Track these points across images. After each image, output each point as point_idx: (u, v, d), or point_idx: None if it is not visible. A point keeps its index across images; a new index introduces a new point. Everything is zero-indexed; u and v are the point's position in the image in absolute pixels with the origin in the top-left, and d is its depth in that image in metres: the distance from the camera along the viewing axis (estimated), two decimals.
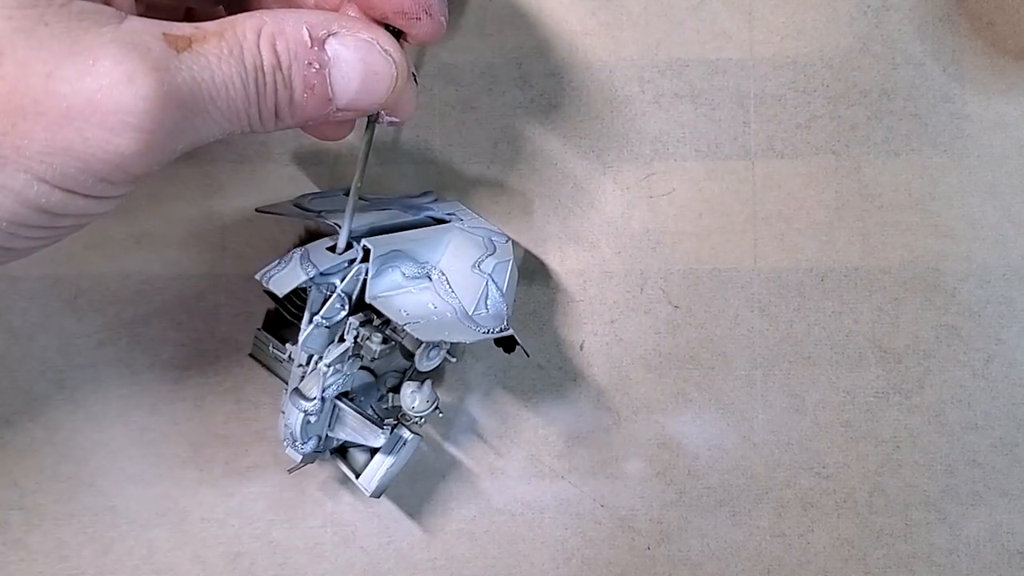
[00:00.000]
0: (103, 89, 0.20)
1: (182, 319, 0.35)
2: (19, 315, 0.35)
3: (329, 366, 0.29)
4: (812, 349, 0.35)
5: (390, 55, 0.24)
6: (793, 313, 0.35)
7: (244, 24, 0.22)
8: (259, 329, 0.34)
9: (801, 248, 0.36)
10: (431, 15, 0.25)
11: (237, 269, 0.36)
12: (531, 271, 0.36)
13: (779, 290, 0.35)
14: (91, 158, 0.20)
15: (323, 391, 0.29)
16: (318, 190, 0.35)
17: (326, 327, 0.29)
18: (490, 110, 0.36)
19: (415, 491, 0.35)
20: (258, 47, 0.22)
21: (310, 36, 0.23)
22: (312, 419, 0.30)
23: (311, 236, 0.35)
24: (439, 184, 0.36)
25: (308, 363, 0.30)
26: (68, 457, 0.35)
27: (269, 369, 0.34)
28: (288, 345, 0.33)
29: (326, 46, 0.23)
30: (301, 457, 0.31)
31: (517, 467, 0.35)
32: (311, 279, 0.28)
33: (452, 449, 0.35)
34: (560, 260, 0.36)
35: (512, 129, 0.36)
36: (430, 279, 0.30)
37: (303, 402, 0.29)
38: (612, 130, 0.36)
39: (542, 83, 0.36)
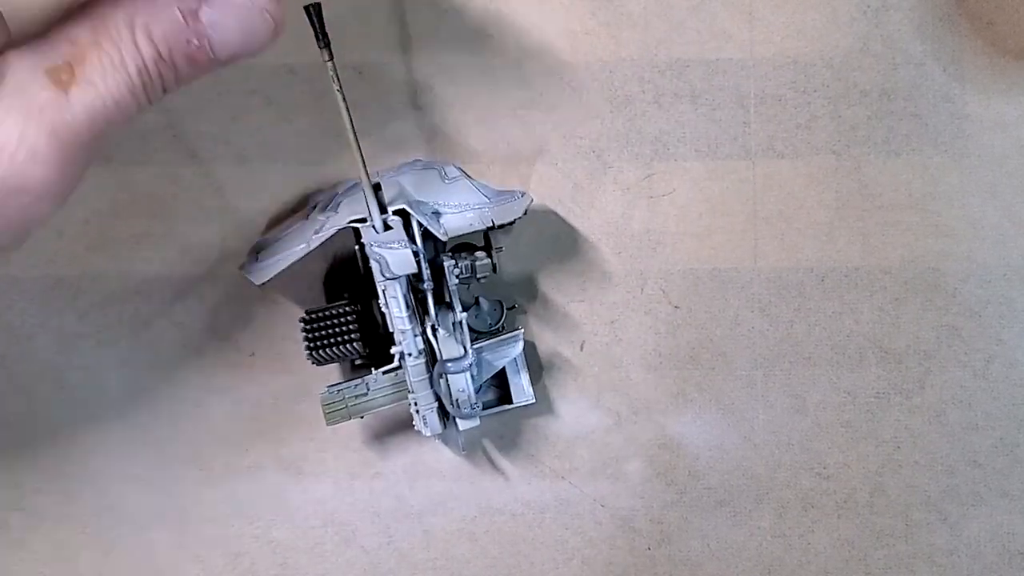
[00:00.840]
0: (11, 173, 0.20)
1: (182, 319, 0.35)
2: (19, 315, 0.35)
3: (460, 315, 0.32)
4: (813, 349, 0.35)
5: (266, 11, 0.24)
6: (793, 313, 0.35)
7: (116, 20, 0.22)
8: (326, 389, 0.33)
9: (801, 248, 0.35)
10: None
11: (237, 268, 0.36)
12: (531, 271, 0.36)
13: (779, 290, 0.35)
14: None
15: (464, 342, 0.32)
16: (318, 189, 0.35)
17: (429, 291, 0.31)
18: (490, 110, 0.36)
19: (415, 491, 0.35)
20: (135, 44, 0.22)
21: (183, 15, 0.22)
22: (474, 371, 0.32)
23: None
24: None
25: (416, 353, 0.31)
26: (68, 457, 0.35)
27: (354, 417, 0.33)
28: (368, 375, 0.32)
29: (201, 16, 0.23)
30: (479, 419, 0.32)
31: (517, 467, 0.35)
32: (416, 255, 0.30)
33: (452, 449, 0.35)
34: (560, 260, 0.36)
35: (512, 129, 0.36)
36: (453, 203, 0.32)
37: (462, 363, 0.31)
38: (612, 130, 0.36)
39: (542, 83, 0.36)
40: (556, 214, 0.36)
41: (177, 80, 0.23)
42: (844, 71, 0.36)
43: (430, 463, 0.35)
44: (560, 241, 0.36)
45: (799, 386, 0.35)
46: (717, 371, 0.35)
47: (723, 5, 0.36)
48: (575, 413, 0.35)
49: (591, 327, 0.36)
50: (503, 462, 0.35)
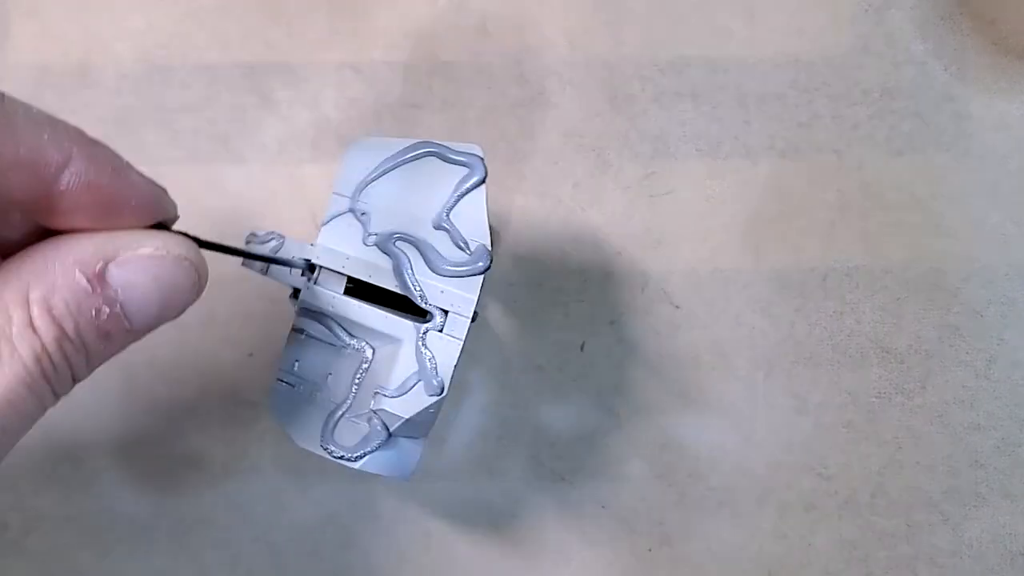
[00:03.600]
0: None
1: (180, 319, 0.35)
2: None
3: None
4: (814, 349, 0.35)
5: (186, 259, 0.19)
6: (795, 313, 0.35)
7: (5, 299, 0.17)
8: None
9: (803, 248, 0.35)
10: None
11: (236, 268, 0.35)
12: (531, 271, 0.35)
13: (781, 290, 0.35)
14: None
15: None
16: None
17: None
18: (489, 109, 0.36)
19: (415, 492, 0.35)
20: (31, 325, 0.17)
21: (87, 279, 0.18)
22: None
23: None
24: None
25: None
26: (66, 459, 0.35)
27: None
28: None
29: (108, 278, 0.18)
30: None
31: (517, 468, 0.35)
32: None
33: (452, 450, 0.35)
34: (560, 260, 0.35)
35: (511, 128, 0.36)
36: (359, 354, 0.27)
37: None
38: (612, 129, 0.35)
39: (542, 81, 0.36)
40: (556, 213, 0.35)
41: (88, 363, 0.19)
42: (845, 70, 0.35)
43: (430, 464, 0.35)
44: (560, 240, 0.35)
45: (800, 386, 0.35)
46: (718, 371, 0.35)
47: (724, 3, 0.35)
48: (575, 413, 0.35)
49: (591, 327, 0.35)
50: (503, 463, 0.35)
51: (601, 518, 0.35)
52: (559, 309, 0.35)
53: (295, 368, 0.27)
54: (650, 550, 0.35)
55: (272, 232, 0.28)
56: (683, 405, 0.35)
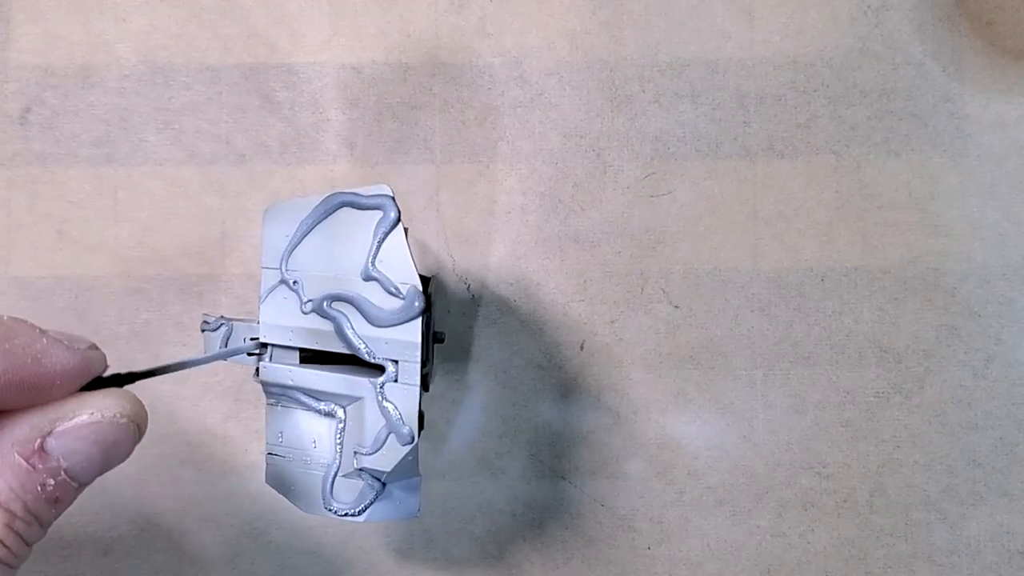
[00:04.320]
0: None
1: (182, 319, 0.35)
2: (19, 315, 0.35)
3: None
4: (812, 349, 0.35)
5: (123, 418, 0.19)
6: (793, 313, 0.35)
7: None
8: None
9: (801, 248, 0.35)
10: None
11: (237, 268, 0.36)
12: (530, 271, 0.36)
13: (779, 290, 0.35)
14: None
15: None
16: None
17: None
18: (490, 109, 0.36)
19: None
20: None
21: (27, 459, 0.18)
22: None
23: None
24: (438, 181, 0.36)
25: None
26: None
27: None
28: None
29: (49, 451, 0.19)
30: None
31: (517, 467, 0.35)
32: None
33: (452, 449, 0.35)
34: (560, 260, 0.36)
35: (512, 128, 0.36)
36: (333, 417, 0.27)
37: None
38: (612, 129, 0.36)
39: (542, 82, 0.36)
40: (556, 213, 0.36)
41: (43, 527, 0.19)
42: (844, 71, 0.36)
43: (430, 463, 0.35)
44: (560, 240, 0.36)
45: (799, 386, 0.35)
46: (717, 371, 0.35)
47: (723, 4, 0.36)
48: (575, 413, 0.35)
49: (591, 327, 0.36)
50: (503, 462, 0.35)
51: (600, 516, 0.35)
52: (559, 309, 0.36)
53: (281, 440, 0.28)
54: (649, 548, 0.35)
55: (221, 318, 0.29)
56: (682, 404, 0.35)
